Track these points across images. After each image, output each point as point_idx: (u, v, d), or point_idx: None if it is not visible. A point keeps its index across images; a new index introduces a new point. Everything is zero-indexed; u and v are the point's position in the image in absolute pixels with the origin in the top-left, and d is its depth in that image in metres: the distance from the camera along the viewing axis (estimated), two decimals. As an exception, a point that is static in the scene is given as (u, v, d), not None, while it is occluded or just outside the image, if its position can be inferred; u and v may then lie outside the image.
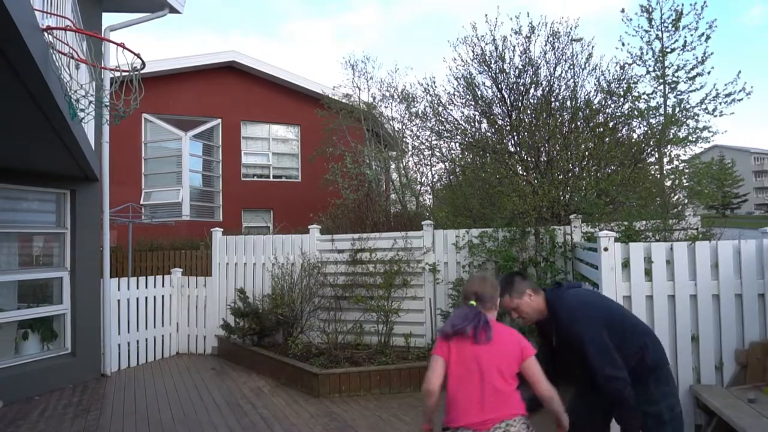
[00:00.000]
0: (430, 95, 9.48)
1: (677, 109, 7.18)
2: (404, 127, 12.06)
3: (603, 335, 2.63)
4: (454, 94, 8.94)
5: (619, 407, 2.60)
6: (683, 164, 7.70)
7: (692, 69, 7.15)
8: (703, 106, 7.10)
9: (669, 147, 7.18)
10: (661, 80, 7.33)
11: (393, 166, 12.53)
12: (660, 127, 7.10)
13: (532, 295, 2.81)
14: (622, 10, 7.44)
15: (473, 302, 2.40)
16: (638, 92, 7.56)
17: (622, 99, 7.58)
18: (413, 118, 11.16)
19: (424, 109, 10.33)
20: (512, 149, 7.99)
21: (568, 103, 7.84)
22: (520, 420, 2.20)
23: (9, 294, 5.99)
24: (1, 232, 5.89)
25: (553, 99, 7.84)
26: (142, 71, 3.71)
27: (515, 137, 7.95)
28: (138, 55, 3.64)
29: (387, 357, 5.90)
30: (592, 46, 8.23)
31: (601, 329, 2.65)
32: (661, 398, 2.70)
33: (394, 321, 6.35)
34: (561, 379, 2.79)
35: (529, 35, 7.82)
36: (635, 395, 2.59)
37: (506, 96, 8.16)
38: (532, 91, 8.00)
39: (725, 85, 6.93)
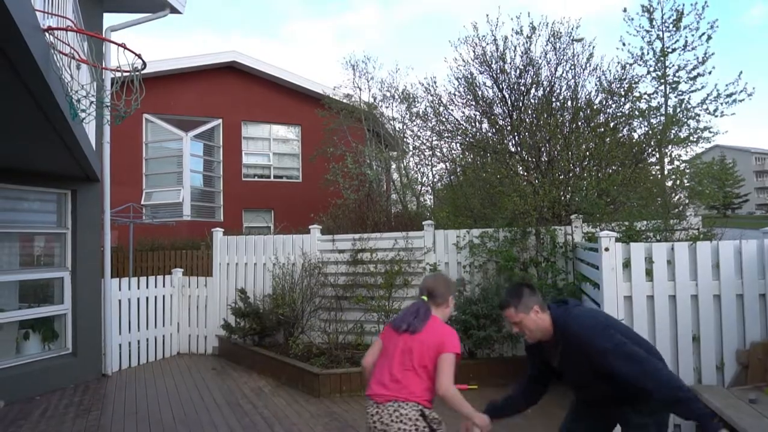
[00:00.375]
0: (431, 95, 9.50)
1: (678, 110, 7.17)
2: (405, 127, 12.07)
3: (627, 343, 2.35)
4: (454, 94, 8.96)
5: (684, 406, 2.24)
6: (684, 164, 7.70)
7: (693, 69, 7.15)
8: (704, 107, 7.10)
9: (670, 147, 7.18)
10: (662, 80, 7.33)
11: (394, 166, 12.53)
12: (661, 127, 7.10)
13: (539, 312, 2.54)
14: (624, 10, 7.44)
15: (425, 297, 2.58)
16: (639, 92, 7.57)
17: (623, 99, 7.59)
18: (414, 118, 11.18)
19: (425, 109, 10.35)
20: (513, 149, 8.00)
21: (569, 103, 7.85)
22: (414, 406, 2.36)
23: (10, 294, 6.00)
24: (3, 232, 5.90)
25: (554, 99, 7.85)
26: (142, 71, 3.71)
27: (516, 137, 7.95)
28: (139, 56, 3.64)
29: (388, 357, 5.90)
30: (593, 47, 8.24)
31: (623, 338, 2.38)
32: (655, 411, 2.46)
33: (394, 321, 6.34)
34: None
35: (530, 35, 7.83)
36: (631, 406, 2.41)
37: (507, 96, 8.17)
38: (533, 91, 8.01)
39: (726, 85, 6.96)
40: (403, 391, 2.38)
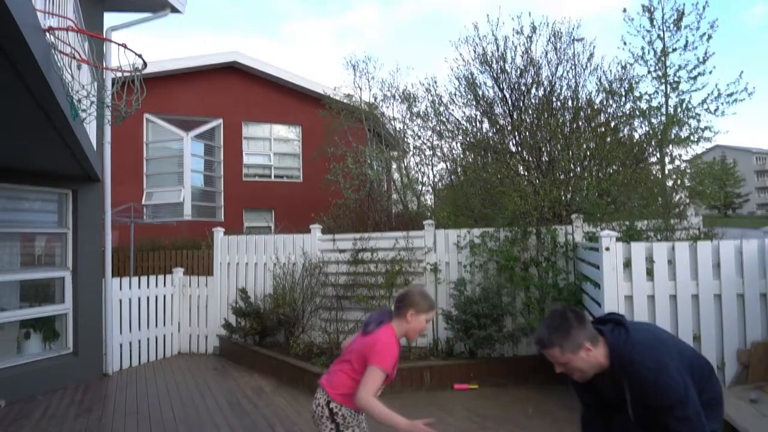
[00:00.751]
0: (432, 95, 9.50)
1: (679, 109, 7.17)
2: (406, 127, 12.06)
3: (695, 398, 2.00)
4: (455, 94, 8.97)
5: None
6: (685, 164, 7.69)
7: (694, 69, 7.15)
8: (705, 106, 7.09)
9: (671, 147, 7.18)
10: (662, 80, 7.32)
11: (394, 166, 12.53)
12: (662, 127, 7.10)
13: (591, 349, 2.09)
14: (624, 10, 7.44)
15: (393, 307, 2.61)
16: (640, 92, 7.56)
17: (623, 99, 7.59)
18: (414, 118, 11.17)
19: (426, 109, 10.34)
20: (514, 149, 8.00)
21: (570, 102, 7.85)
22: (324, 394, 2.48)
23: (11, 294, 6.00)
24: (4, 232, 5.90)
25: (554, 99, 7.86)
26: (143, 71, 3.72)
27: (517, 137, 7.95)
28: (140, 56, 3.64)
29: (388, 357, 5.90)
30: (594, 46, 8.26)
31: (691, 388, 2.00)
32: None
33: (395, 321, 6.34)
34: None
35: (530, 35, 7.84)
36: None
37: (508, 96, 8.17)
38: (533, 90, 8.01)
39: (727, 84, 6.95)
40: (329, 381, 2.52)
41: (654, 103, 7.44)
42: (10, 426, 4.76)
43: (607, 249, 4.05)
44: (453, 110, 9.17)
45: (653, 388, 1.97)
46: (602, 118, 7.53)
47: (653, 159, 7.53)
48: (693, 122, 7.18)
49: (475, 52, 8.32)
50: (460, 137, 9.04)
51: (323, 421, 2.47)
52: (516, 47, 7.96)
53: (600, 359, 2.09)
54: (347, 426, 2.47)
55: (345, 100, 12.23)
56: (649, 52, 7.38)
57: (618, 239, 4.15)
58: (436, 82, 9.75)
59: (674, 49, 7.27)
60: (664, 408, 1.97)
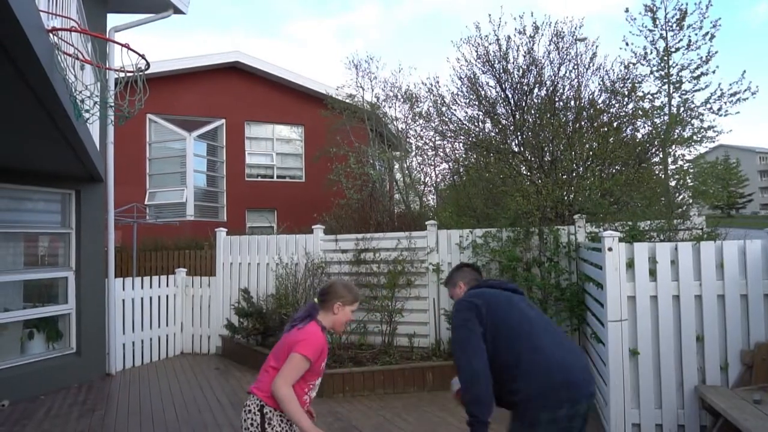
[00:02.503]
0: (434, 95, 9.49)
1: (682, 109, 7.13)
2: (408, 127, 12.06)
3: (462, 326, 2.40)
4: (457, 94, 8.96)
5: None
6: (688, 164, 7.65)
7: (697, 68, 7.10)
8: (708, 106, 7.05)
9: (673, 147, 7.14)
10: (665, 80, 7.29)
11: (397, 166, 12.52)
12: (664, 127, 7.07)
13: (461, 288, 2.76)
14: (626, 10, 7.39)
15: (317, 299, 2.63)
16: (642, 92, 7.52)
17: (626, 99, 7.56)
18: (417, 118, 11.16)
19: (428, 109, 10.33)
20: (516, 149, 7.99)
21: (572, 102, 7.84)
22: (255, 400, 2.37)
23: (14, 294, 6.02)
24: (7, 232, 5.92)
25: (557, 99, 7.84)
26: (146, 72, 3.72)
27: (519, 137, 7.94)
28: (142, 56, 3.65)
29: (390, 357, 5.90)
30: (596, 46, 8.23)
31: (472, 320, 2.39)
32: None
33: (397, 321, 6.35)
34: None
35: (533, 35, 7.82)
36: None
37: (510, 96, 8.16)
38: (536, 90, 8.00)
39: (730, 84, 6.87)
40: (256, 386, 2.43)
41: (657, 103, 7.40)
42: (13, 426, 4.77)
43: (610, 249, 4.04)
44: (455, 110, 9.16)
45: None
46: (605, 118, 7.51)
47: (656, 159, 7.51)
48: (696, 122, 7.15)
49: (477, 52, 8.31)
50: (463, 137, 9.03)
51: (252, 430, 2.33)
52: (518, 47, 7.95)
53: (460, 293, 2.76)
54: (277, 427, 2.34)
55: (347, 100, 12.23)
56: (651, 52, 7.33)
57: (621, 239, 4.14)
58: (438, 83, 9.74)
59: (677, 49, 7.22)
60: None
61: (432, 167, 11.82)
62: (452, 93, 9.04)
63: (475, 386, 2.29)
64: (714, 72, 7.09)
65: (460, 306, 2.48)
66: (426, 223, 6.71)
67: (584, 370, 2.33)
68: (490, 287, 2.61)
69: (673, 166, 7.29)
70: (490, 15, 8.17)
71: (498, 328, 2.36)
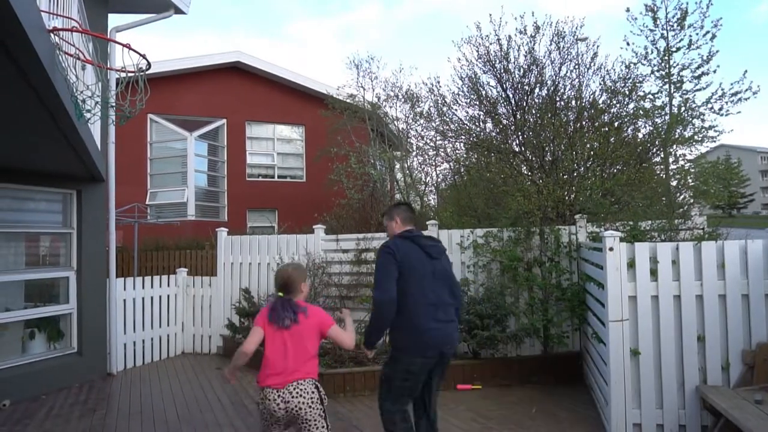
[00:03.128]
0: (435, 95, 9.48)
1: (683, 109, 7.12)
2: (409, 127, 12.05)
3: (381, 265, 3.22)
4: (458, 94, 8.94)
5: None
6: (689, 164, 7.65)
7: (698, 68, 7.09)
8: (709, 105, 7.04)
9: (674, 146, 7.14)
10: (666, 79, 7.28)
11: (397, 166, 12.52)
12: (665, 127, 7.07)
13: (395, 224, 3.50)
14: (627, 10, 7.39)
15: (281, 293, 2.92)
16: (643, 92, 7.52)
17: (627, 98, 7.56)
18: (418, 118, 11.15)
19: (429, 109, 10.32)
20: (517, 149, 7.98)
21: (573, 102, 7.83)
22: (310, 381, 2.79)
23: (16, 293, 6.03)
24: (9, 232, 5.93)
25: (558, 98, 7.83)
26: (147, 72, 3.72)
27: (520, 137, 7.94)
28: (144, 56, 3.65)
29: (391, 357, 5.90)
30: (597, 46, 8.23)
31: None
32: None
33: (398, 321, 6.34)
34: None
35: (533, 35, 7.81)
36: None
37: (511, 96, 8.15)
38: (536, 90, 7.99)
39: (731, 84, 6.86)
40: (299, 372, 2.79)
41: (657, 103, 7.40)
42: (14, 425, 4.78)
43: (611, 249, 4.04)
44: (456, 110, 9.15)
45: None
46: (606, 117, 7.51)
47: (657, 159, 7.50)
48: (697, 122, 7.14)
49: (478, 52, 8.30)
50: (464, 137, 9.02)
51: (314, 405, 2.76)
52: (519, 47, 7.94)
53: (392, 232, 3.50)
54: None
55: (348, 100, 12.23)
56: (652, 52, 7.33)
57: (622, 239, 4.14)
58: (439, 82, 9.75)
59: (678, 49, 7.22)
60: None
61: (433, 167, 11.82)
62: (453, 93, 9.02)
63: (380, 319, 3.20)
64: (715, 72, 7.09)
65: (383, 253, 3.24)
66: (427, 223, 6.71)
67: (446, 335, 3.26)
68: (413, 239, 3.33)
69: (674, 166, 7.29)
70: (490, 15, 8.16)
71: (404, 276, 3.19)
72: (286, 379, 2.75)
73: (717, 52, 7.00)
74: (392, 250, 3.22)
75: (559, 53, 7.89)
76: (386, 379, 3.30)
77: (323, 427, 2.81)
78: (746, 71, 6.98)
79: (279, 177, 14.79)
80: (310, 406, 2.75)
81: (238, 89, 13.93)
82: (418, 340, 3.15)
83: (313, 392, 2.77)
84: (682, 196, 6.92)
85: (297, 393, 2.73)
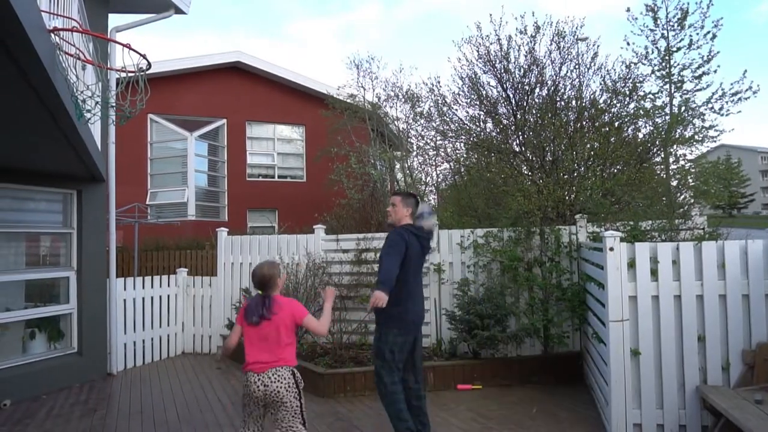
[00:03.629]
0: (435, 95, 9.47)
1: (683, 109, 7.12)
2: (409, 127, 12.04)
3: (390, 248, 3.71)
4: (458, 94, 8.93)
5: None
6: (689, 164, 7.64)
7: (698, 68, 7.08)
8: (710, 105, 7.03)
9: (675, 146, 7.13)
10: (666, 79, 7.28)
11: (398, 166, 12.51)
12: (666, 127, 7.06)
13: (398, 208, 3.98)
14: (627, 9, 7.38)
15: (260, 291, 3.24)
16: (644, 91, 7.51)
17: (627, 98, 7.55)
18: (418, 118, 11.14)
19: (429, 108, 10.32)
20: (517, 149, 7.98)
21: (574, 102, 7.82)
22: (287, 368, 3.13)
23: (16, 293, 6.03)
24: (9, 232, 5.93)
25: (558, 98, 7.83)
26: (147, 72, 3.72)
27: (520, 137, 7.94)
28: (144, 56, 3.65)
29: (392, 357, 5.90)
30: (598, 46, 8.22)
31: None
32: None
33: (398, 321, 6.34)
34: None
35: (534, 35, 7.80)
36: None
37: (511, 96, 8.15)
38: (537, 90, 7.99)
39: (732, 84, 6.85)
40: (278, 360, 3.13)
41: (658, 103, 7.39)
42: (15, 425, 4.78)
43: (611, 249, 4.04)
44: (456, 110, 9.14)
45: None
46: (606, 117, 7.50)
47: (657, 159, 7.50)
48: (697, 122, 7.13)
49: (478, 51, 8.30)
50: (464, 137, 9.02)
51: (290, 390, 3.09)
52: (519, 47, 7.93)
53: (400, 217, 3.97)
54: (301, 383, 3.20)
55: (348, 100, 12.22)
56: (652, 52, 7.32)
57: (622, 239, 4.14)
58: (439, 82, 9.75)
59: (678, 48, 7.21)
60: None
61: (433, 167, 11.81)
62: (453, 93, 9.02)
63: (389, 277, 3.58)
64: (715, 71, 7.07)
65: (399, 235, 3.77)
66: (427, 223, 6.70)
67: (421, 318, 3.99)
68: (417, 235, 3.88)
69: (675, 166, 7.28)
70: (491, 15, 8.15)
71: (404, 266, 3.72)
72: (265, 366, 3.09)
73: (717, 52, 6.99)
74: (405, 237, 3.76)
75: (560, 53, 7.89)
76: (379, 353, 3.80)
77: (297, 407, 3.13)
78: (746, 71, 6.97)
79: (279, 177, 14.79)
80: (287, 390, 3.08)
81: (239, 89, 13.93)
82: (403, 321, 3.77)
83: (289, 378, 3.12)
84: (682, 196, 6.92)
85: (276, 378, 3.07)
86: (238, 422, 4.74)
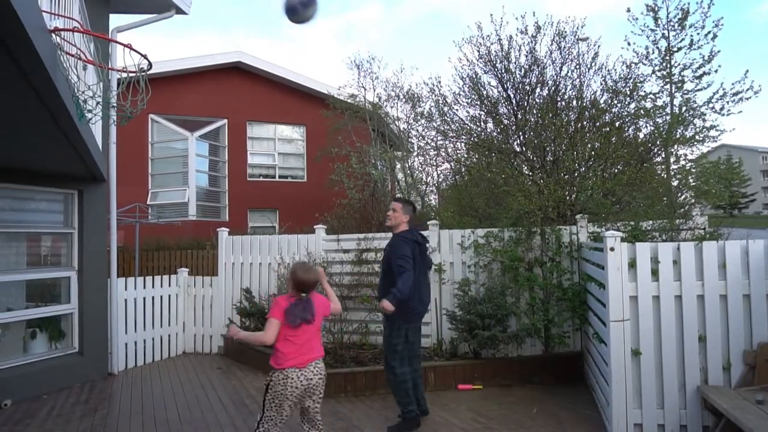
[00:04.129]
0: (436, 95, 9.47)
1: (684, 109, 7.13)
2: (410, 127, 12.05)
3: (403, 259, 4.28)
4: (459, 94, 8.93)
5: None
6: (690, 164, 7.65)
7: (699, 68, 7.09)
8: (710, 105, 7.04)
9: (676, 146, 7.14)
10: (667, 79, 7.28)
11: (398, 166, 12.52)
12: (666, 127, 7.07)
13: (397, 213, 4.57)
14: (628, 10, 7.39)
15: (304, 294, 3.34)
16: (644, 91, 7.52)
17: (628, 98, 7.55)
18: (419, 118, 11.14)
19: (430, 109, 10.32)
20: (518, 149, 7.98)
21: (574, 102, 7.82)
22: (322, 360, 3.36)
23: (17, 293, 6.04)
24: (10, 231, 5.94)
25: (558, 98, 7.83)
26: (148, 72, 3.73)
27: (521, 137, 7.93)
28: (145, 56, 3.66)
29: (392, 357, 5.90)
30: (598, 46, 8.23)
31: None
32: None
33: (399, 321, 6.34)
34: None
35: (534, 35, 7.80)
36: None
37: (512, 96, 8.15)
38: (537, 90, 7.98)
39: (732, 83, 6.86)
40: (316, 352, 3.35)
41: (659, 103, 7.40)
42: (16, 425, 4.79)
43: (612, 249, 4.04)
44: (457, 110, 9.14)
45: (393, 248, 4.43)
46: (607, 117, 7.50)
47: (658, 159, 7.50)
48: (698, 121, 7.14)
49: (479, 52, 8.29)
50: (465, 137, 9.02)
51: (324, 379, 3.36)
52: (520, 47, 7.93)
53: (398, 222, 4.56)
54: None
55: (349, 100, 12.23)
56: (653, 52, 7.34)
57: (623, 239, 4.14)
58: (440, 82, 9.73)
59: (679, 48, 7.22)
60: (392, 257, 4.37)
61: (434, 167, 11.82)
62: (454, 93, 9.01)
63: (405, 287, 4.15)
64: (716, 71, 7.10)
65: (405, 242, 4.39)
66: (428, 223, 6.71)
67: (424, 310, 4.64)
68: (416, 240, 4.49)
69: (676, 166, 7.29)
70: (491, 15, 8.14)
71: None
72: (306, 360, 3.25)
73: (718, 52, 7.01)
74: (409, 244, 4.39)
75: (560, 53, 7.89)
76: (391, 348, 4.42)
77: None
78: (747, 71, 6.98)
79: (280, 177, 14.80)
80: (323, 380, 3.33)
81: (239, 89, 13.94)
82: (410, 314, 4.41)
83: (324, 368, 3.36)
84: (683, 196, 6.92)
85: (317, 371, 3.28)
86: (239, 422, 4.75)
